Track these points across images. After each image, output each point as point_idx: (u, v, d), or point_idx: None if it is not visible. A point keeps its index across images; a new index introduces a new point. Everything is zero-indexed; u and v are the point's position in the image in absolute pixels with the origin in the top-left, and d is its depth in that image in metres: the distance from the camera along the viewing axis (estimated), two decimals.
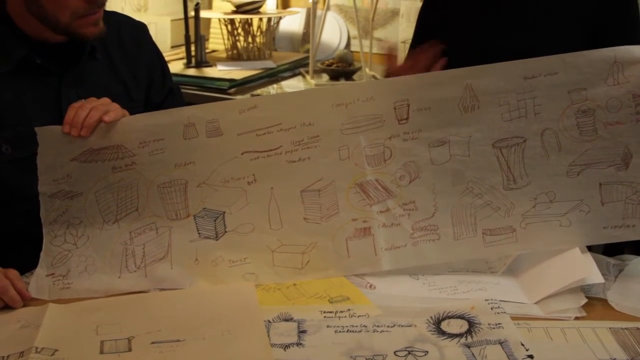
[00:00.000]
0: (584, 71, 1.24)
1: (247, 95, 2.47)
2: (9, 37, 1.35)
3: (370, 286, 1.29)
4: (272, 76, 2.73)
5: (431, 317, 1.16)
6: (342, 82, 2.66)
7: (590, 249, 1.29)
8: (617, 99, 1.24)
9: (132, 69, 1.53)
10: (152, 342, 1.11)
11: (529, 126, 1.27)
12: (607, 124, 1.25)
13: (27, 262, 1.28)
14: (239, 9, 2.79)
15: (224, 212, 1.31)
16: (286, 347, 1.10)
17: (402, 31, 2.96)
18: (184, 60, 2.73)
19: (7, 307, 1.21)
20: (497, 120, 1.27)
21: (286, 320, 1.17)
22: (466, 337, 1.11)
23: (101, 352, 1.09)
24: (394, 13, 3.00)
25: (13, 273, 1.23)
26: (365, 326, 1.15)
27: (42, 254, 1.28)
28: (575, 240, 1.27)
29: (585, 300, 1.19)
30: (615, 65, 1.23)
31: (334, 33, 3.11)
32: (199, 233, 1.31)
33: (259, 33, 2.84)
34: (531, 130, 1.27)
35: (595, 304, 1.20)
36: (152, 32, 1.66)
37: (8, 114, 1.36)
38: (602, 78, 1.24)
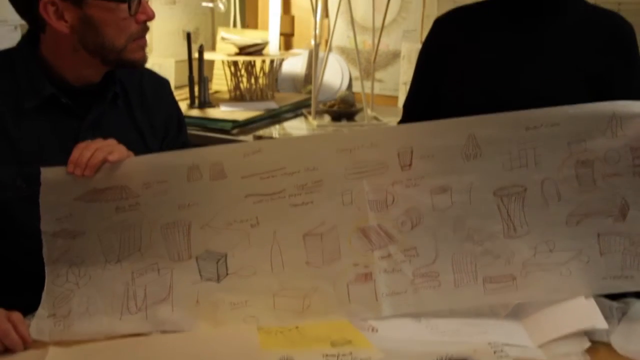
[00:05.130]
0: (584, 124, 1.26)
1: (250, 136, 2.48)
2: (39, 75, 1.39)
3: (373, 329, 1.28)
4: (275, 117, 2.75)
5: None
6: (344, 122, 2.68)
7: None
8: (616, 151, 1.26)
9: (150, 118, 1.56)
10: None
11: (530, 175, 1.29)
12: (606, 176, 1.27)
13: (31, 303, 1.28)
14: (242, 51, 2.82)
15: (226, 255, 1.32)
16: None
17: (404, 73, 3.00)
18: (188, 101, 2.75)
19: (7, 350, 1.20)
20: (499, 169, 1.29)
21: None
22: None
23: None
24: (395, 55, 3.05)
25: (16, 316, 1.23)
26: None
27: (44, 294, 1.28)
28: (575, 290, 1.28)
29: (588, 344, 1.19)
30: (614, 119, 1.25)
31: (335, 74, 3.14)
32: (200, 275, 1.32)
33: (261, 74, 2.87)
34: (531, 179, 1.29)
35: (599, 348, 1.20)
36: (157, 72, 1.69)
37: (27, 150, 1.39)
38: (601, 131, 1.26)
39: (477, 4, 1.74)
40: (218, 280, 1.32)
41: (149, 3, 1.41)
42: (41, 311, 1.27)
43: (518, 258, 1.30)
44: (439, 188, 1.31)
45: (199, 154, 1.32)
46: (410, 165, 1.30)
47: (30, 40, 1.43)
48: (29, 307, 1.28)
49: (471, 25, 1.69)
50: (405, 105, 1.84)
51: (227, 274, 1.32)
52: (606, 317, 1.22)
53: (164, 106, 1.62)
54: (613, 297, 1.34)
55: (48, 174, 1.27)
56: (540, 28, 1.60)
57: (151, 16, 1.40)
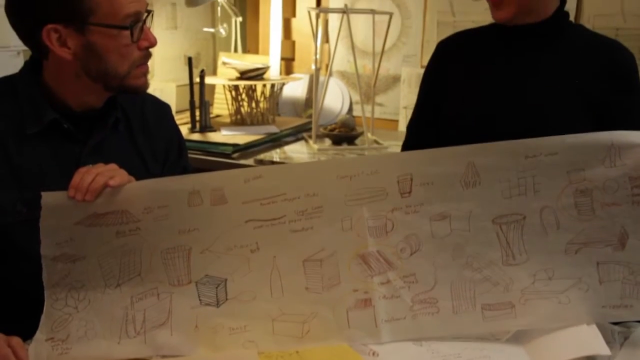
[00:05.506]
0: (583, 152, 1.27)
1: (251, 160, 2.49)
2: (41, 100, 1.41)
3: (374, 354, 1.28)
4: (275, 141, 2.76)
5: None
6: (345, 146, 2.69)
7: None
8: (614, 180, 1.27)
9: (151, 143, 1.57)
10: None
11: (529, 204, 1.30)
12: (604, 205, 1.28)
13: (31, 327, 1.28)
14: (243, 76, 2.84)
15: (226, 280, 1.32)
16: None
17: (404, 97, 3.02)
18: (189, 125, 2.76)
19: None
20: (498, 196, 1.30)
21: None
22: None
23: None
24: (395, 79, 3.07)
25: (16, 341, 1.23)
26: None
27: (42, 318, 1.28)
28: (574, 318, 1.28)
29: None
30: (612, 149, 1.26)
31: (336, 98, 3.17)
32: (200, 300, 1.32)
33: (262, 99, 2.89)
34: (530, 207, 1.30)
35: None
36: (158, 97, 1.71)
37: (28, 175, 1.39)
38: (600, 160, 1.27)
39: (477, 28, 1.76)
40: (217, 305, 1.32)
41: (151, 29, 1.43)
42: (39, 335, 1.27)
43: (517, 286, 1.31)
44: (438, 215, 1.31)
45: (199, 179, 1.32)
46: (410, 192, 1.31)
47: (33, 66, 1.44)
48: (29, 331, 1.27)
49: (472, 49, 1.71)
50: (408, 127, 1.86)
51: (226, 299, 1.32)
52: (608, 342, 1.22)
53: (165, 131, 1.63)
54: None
55: (49, 198, 1.27)
56: (540, 52, 1.62)
57: (153, 43, 1.42)
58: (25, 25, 1.37)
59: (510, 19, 1.58)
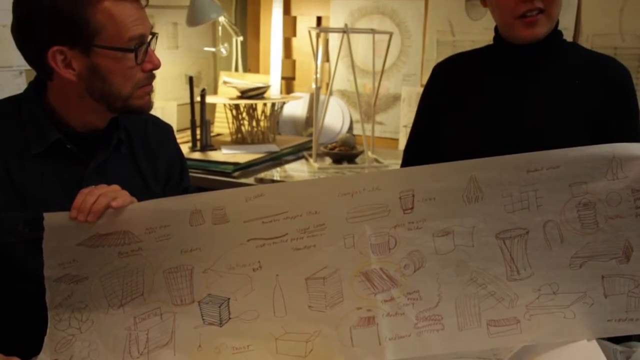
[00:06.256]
0: (585, 165, 1.27)
1: (252, 179, 2.49)
2: (45, 121, 1.41)
3: None
4: (276, 159, 2.77)
5: None
6: (345, 165, 2.69)
7: None
8: (617, 193, 1.26)
9: (153, 164, 1.58)
10: None
11: (532, 218, 1.29)
12: (608, 218, 1.27)
13: (32, 347, 1.28)
14: (243, 95, 2.85)
15: (229, 299, 1.31)
16: None
17: (404, 115, 3.03)
18: (190, 144, 2.77)
19: None
20: (500, 211, 1.29)
21: None
22: None
23: None
24: (396, 98, 3.08)
25: None
26: None
27: (46, 339, 1.28)
28: (580, 333, 1.27)
29: None
30: (614, 161, 1.26)
31: (336, 117, 3.17)
32: (203, 319, 1.31)
33: (263, 117, 2.90)
34: (533, 222, 1.29)
35: None
36: (159, 116, 1.71)
37: (31, 195, 1.40)
38: (602, 173, 1.27)
39: (475, 50, 1.77)
40: (220, 324, 1.31)
41: (155, 50, 1.44)
42: (42, 356, 1.27)
43: (522, 301, 1.30)
44: (441, 231, 1.31)
45: (201, 198, 1.32)
46: (412, 208, 1.31)
47: (37, 87, 1.45)
48: (30, 352, 1.27)
49: (469, 71, 1.72)
50: (406, 150, 1.85)
51: (229, 318, 1.31)
52: None
53: (167, 152, 1.63)
54: (617, 340, 1.33)
55: (51, 219, 1.27)
56: (538, 71, 1.62)
57: (157, 65, 1.42)
58: (32, 47, 1.38)
59: (542, 35, 1.57)
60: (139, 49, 1.37)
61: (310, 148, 2.83)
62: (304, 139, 3.02)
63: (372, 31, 2.78)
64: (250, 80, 3.06)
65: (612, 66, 1.63)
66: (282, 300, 1.31)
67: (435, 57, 2.92)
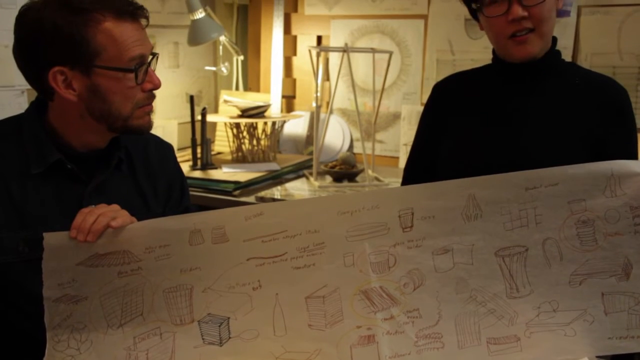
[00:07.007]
0: (583, 183, 1.27)
1: (252, 197, 2.49)
2: (46, 141, 1.42)
3: None
4: (276, 178, 2.77)
5: None
6: (346, 183, 2.69)
7: None
8: (615, 210, 1.27)
9: (153, 183, 1.58)
10: None
11: (531, 235, 1.29)
12: (607, 235, 1.27)
13: None
14: (244, 113, 2.86)
15: (229, 318, 1.31)
16: None
17: (404, 134, 3.03)
18: (190, 163, 2.78)
19: None
20: (500, 229, 1.30)
21: None
22: None
23: None
24: (396, 116, 3.08)
25: None
26: None
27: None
28: (580, 350, 1.27)
29: None
30: (612, 178, 1.26)
31: (337, 136, 3.18)
32: (203, 339, 1.31)
33: (263, 136, 2.90)
34: (533, 239, 1.29)
35: None
36: (160, 134, 1.72)
37: (30, 215, 1.40)
38: (600, 190, 1.27)
39: (474, 69, 1.78)
40: (220, 344, 1.31)
41: (155, 69, 1.44)
42: None
43: (522, 318, 1.29)
44: (440, 249, 1.31)
45: (200, 218, 1.32)
46: (411, 226, 1.31)
47: (38, 106, 1.46)
48: None
49: (469, 90, 1.72)
50: (406, 168, 1.86)
51: (229, 338, 1.31)
52: None
53: (168, 172, 1.63)
54: (618, 358, 1.32)
55: (51, 239, 1.27)
56: (537, 90, 1.63)
57: (157, 85, 1.43)
58: (33, 67, 1.38)
59: (537, 53, 1.59)
60: (139, 69, 1.38)
61: (310, 166, 2.84)
62: (304, 158, 3.03)
63: (372, 50, 2.79)
64: (251, 99, 3.07)
65: (609, 85, 1.63)
66: (282, 319, 1.31)
67: (435, 76, 2.93)
